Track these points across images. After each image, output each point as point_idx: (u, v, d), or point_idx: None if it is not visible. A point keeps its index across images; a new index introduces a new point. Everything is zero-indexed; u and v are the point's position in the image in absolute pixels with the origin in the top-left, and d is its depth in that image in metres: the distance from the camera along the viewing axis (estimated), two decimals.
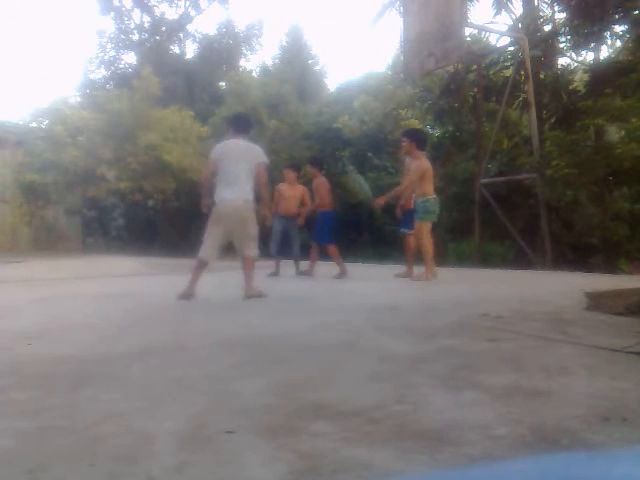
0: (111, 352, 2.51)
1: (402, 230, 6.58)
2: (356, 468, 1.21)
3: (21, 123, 15.84)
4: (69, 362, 2.30)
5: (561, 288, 4.78)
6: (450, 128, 12.39)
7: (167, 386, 1.93)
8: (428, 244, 5.80)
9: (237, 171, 4.58)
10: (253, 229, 4.64)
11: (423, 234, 5.83)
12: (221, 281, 6.48)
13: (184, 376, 2.06)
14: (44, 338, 2.90)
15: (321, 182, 6.91)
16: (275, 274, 6.94)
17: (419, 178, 5.86)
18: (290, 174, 7.12)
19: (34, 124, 15.22)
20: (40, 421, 1.56)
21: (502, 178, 10.32)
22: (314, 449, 1.32)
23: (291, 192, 7.05)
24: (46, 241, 15.76)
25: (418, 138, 6.17)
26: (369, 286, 5.74)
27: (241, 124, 4.92)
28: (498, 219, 9.68)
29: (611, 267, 8.34)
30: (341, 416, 1.55)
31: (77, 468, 1.26)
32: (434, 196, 5.91)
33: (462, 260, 11.08)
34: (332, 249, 6.71)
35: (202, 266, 4.59)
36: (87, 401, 1.77)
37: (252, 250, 4.62)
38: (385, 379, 1.94)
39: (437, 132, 14.12)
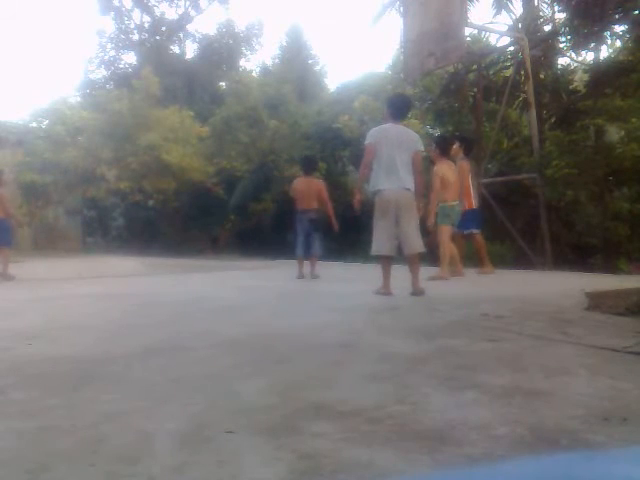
0: (111, 352, 2.51)
1: (469, 230, 6.74)
2: (356, 468, 1.21)
3: (21, 123, 15.87)
4: (69, 362, 2.30)
5: (561, 288, 4.77)
6: (450, 128, 12.36)
7: (167, 386, 1.93)
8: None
9: (396, 158, 4.28)
10: (416, 221, 4.43)
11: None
12: (220, 280, 6.47)
13: (184, 376, 2.06)
14: (44, 338, 2.90)
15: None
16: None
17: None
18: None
19: (34, 124, 15.25)
20: (40, 421, 1.56)
21: (502, 178, 10.32)
22: (314, 449, 1.32)
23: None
24: (46, 241, 15.78)
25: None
26: (368, 287, 5.73)
27: (400, 107, 4.52)
28: (498, 219, 9.67)
29: (611, 267, 8.32)
30: (341, 416, 1.55)
31: (77, 468, 1.25)
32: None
33: (462, 260, 11.07)
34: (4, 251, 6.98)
35: (387, 261, 4.37)
36: (87, 401, 1.77)
37: (419, 246, 4.40)
38: (385, 379, 1.94)
39: (437, 132, 14.11)
